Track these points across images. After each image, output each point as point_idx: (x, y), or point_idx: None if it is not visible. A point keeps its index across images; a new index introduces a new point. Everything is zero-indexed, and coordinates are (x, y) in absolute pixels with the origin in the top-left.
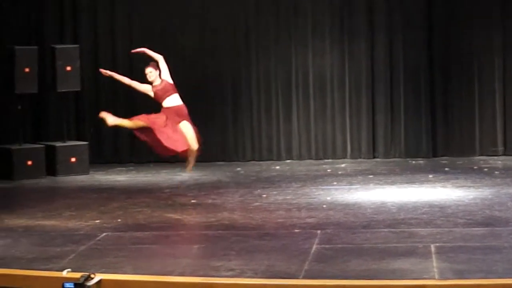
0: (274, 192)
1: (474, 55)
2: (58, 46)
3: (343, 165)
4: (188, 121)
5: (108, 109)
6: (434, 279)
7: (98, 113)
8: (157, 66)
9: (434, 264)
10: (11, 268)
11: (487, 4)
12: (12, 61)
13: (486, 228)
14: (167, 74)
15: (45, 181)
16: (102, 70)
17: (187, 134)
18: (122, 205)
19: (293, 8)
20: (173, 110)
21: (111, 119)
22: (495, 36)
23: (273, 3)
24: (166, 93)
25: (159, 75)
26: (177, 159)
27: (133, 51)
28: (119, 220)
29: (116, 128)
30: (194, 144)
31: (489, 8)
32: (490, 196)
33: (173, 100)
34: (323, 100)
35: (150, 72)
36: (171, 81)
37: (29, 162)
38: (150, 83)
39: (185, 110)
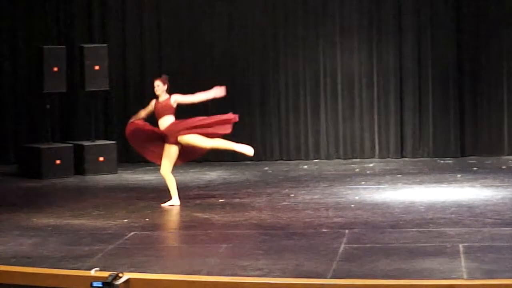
0: (302, 192)
1: (503, 54)
2: (86, 46)
3: (371, 165)
4: (186, 132)
5: (136, 108)
6: (463, 279)
7: (126, 112)
8: (166, 81)
9: (463, 264)
10: (40, 267)
11: None
12: (41, 61)
13: None
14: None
15: (74, 180)
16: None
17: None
18: (150, 204)
19: (321, 8)
20: (165, 131)
21: None
22: None
23: (302, 3)
24: (164, 112)
25: (165, 90)
26: (205, 158)
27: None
28: (147, 219)
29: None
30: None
31: None
32: None
33: (165, 122)
34: (351, 99)
35: (158, 85)
36: (174, 104)
37: (58, 161)
38: (156, 96)
39: (175, 127)
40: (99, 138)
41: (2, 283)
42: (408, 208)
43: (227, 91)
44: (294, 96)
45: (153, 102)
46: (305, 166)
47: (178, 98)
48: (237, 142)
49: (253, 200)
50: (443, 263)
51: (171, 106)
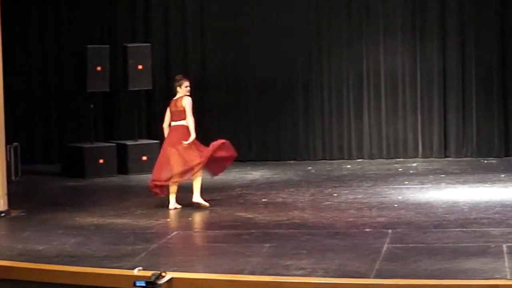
0: (345, 191)
1: None
2: (130, 45)
3: (414, 164)
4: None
5: None
6: (506, 279)
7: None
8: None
9: (506, 264)
10: (83, 266)
11: None
12: (85, 60)
13: None
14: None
15: (117, 179)
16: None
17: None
18: (193, 204)
19: (365, 8)
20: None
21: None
22: None
23: (345, 4)
24: (180, 114)
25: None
26: (249, 158)
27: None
28: (190, 218)
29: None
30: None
31: None
32: None
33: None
34: (395, 99)
35: (187, 87)
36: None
37: (101, 161)
38: (174, 95)
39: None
40: (142, 138)
41: (46, 282)
42: (452, 208)
43: (272, 92)
44: (337, 96)
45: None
46: (348, 166)
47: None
48: (281, 142)
49: (296, 200)
50: (486, 263)
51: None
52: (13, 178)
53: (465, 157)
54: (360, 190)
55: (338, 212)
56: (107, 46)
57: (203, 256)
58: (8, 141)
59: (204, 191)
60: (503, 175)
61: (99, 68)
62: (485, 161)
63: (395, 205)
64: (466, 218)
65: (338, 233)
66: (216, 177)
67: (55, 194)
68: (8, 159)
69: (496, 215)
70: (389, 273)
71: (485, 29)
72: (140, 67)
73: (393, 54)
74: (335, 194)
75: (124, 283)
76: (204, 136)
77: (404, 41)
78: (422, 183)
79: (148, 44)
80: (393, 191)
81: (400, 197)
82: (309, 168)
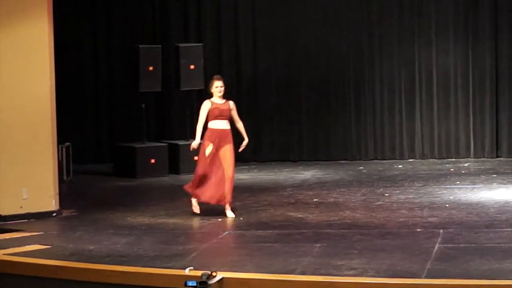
0: (397, 191)
1: None
2: (181, 45)
3: (466, 164)
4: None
5: None
6: None
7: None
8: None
9: None
10: (134, 266)
11: None
12: (137, 60)
13: None
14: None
15: (168, 179)
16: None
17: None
18: (245, 204)
19: (417, 8)
20: (217, 132)
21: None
22: None
23: (397, 4)
24: (223, 115)
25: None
26: (300, 158)
27: None
28: (241, 218)
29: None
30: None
31: None
32: None
33: (224, 124)
34: (447, 99)
35: (222, 87)
36: (230, 107)
37: (152, 160)
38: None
39: (229, 135)
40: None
41: (97, 281)
42: (503, 208)
43: (323, 92)
44: (389, 95)
45: (208, 103)
46: (400, 166)
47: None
48: (332, 142)
49: (347, 200)
50: None
51: (229, 110)
52: (64, 178)
53: None
54: (412, 190)
55: (389, 212)
56: (159, 46)
57: (254, 256)
58: (60, 141)
59: (256, 191)
60: None
61: (151, 68)
62: None
63: (447, 205)
64: None
65: (389, 233)
66: (267, 176)
67: (107, 194)
68: (60, 159)
69: None
70: (440, 273)
71: None
72: (192, 67)
73: (445, 54)
74: (386, 194)
75: (176, 283)
76: (256, 136)
77: (456, 40)
78: (474, 183)
79: (200, 44)
80: (444, 191)
81: (451, 197)
82: (361, 168)
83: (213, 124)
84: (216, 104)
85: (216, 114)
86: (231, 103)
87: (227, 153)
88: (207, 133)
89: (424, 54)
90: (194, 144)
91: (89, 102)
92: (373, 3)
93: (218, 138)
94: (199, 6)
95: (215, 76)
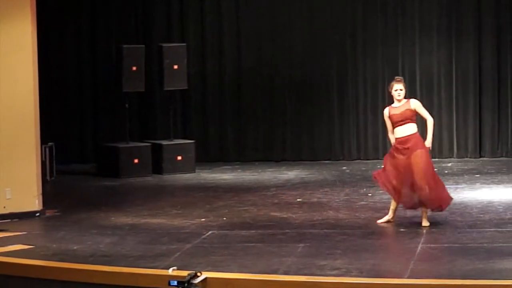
0: (380, 191)
1: None
2: (165, 45)
3: (449, 164)
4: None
5: (214, 107)
6: None
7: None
8: (404, 85)
9: None
10: (118, 266)
11: None
12: (120, 60)
13: None
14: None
15: (151, 179)
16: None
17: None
18: (228, 204)
19: (401, 8)
20: (399, 141)
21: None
22: None
23: (380, 4)
24: (401, 120)
25: (404, 96)
26: (283, 158)
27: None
28: (225, 218)
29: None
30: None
31: None
32: None
33: (405, 130)
34: (430, 99)
35: (401, 90)
36: (413, 107)
37: (136, 160)
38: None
39: (416, 140)
40: (178, 137)
41: (81, 281)
42: (486, 208)
43: (307, 91)
44: (372, 96)
45: (386, 111)
46: (383, 166)
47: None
48: (316, 142)
49: (330, 200)
50: None
51: (412, 111)
52: (48, 178)
53: (500, 157)
54: None
55: (372, 212)
56: (143, 46)
57: (237, 256)
58: (44, 141)
59: (239, 191)
60: None
61: (134, 68)
62: None
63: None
64: (500, 218)
65: (372, 233)
66: (251, 176)
67: (90, 194)
68: (44, 159)
69: None
70: (423, 273)
71: None
72: (175, 67)
73: (429, 54)
74: (369, 194)
75: (159, 283)
76: (239, 136)
77: (440, 41)
78: (457, 183)
79: (184, 44)
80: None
81: None
82: (344, 168)
83: (395, 133)
84: (393, 109)
85: (395, 120)
86: (412, 101)
87: (417, 160)
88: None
89: (408, 54)
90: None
91: (72, 102)
92: (357, 3)
93: (402, 148)
94: (182, 6)
95: (395, 78)
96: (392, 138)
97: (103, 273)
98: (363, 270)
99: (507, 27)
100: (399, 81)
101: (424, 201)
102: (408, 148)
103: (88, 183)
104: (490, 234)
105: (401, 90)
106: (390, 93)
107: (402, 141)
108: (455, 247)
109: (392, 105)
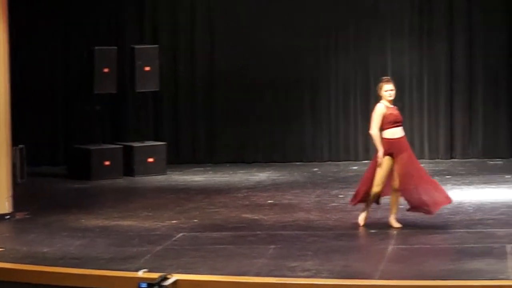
0: (351, 193)
1: None
2: (137, 46)
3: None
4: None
5: (186, 109)
6: (510, 279)
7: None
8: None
9: (510, 264)
10: (88, 268)
11: None
12: (92, 61)
13: None
14: None
15: (122, 181)
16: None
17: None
18: (199, 206)
19: (372, 8)
20: (394, 142)
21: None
22: None
23: (353, 5)
24: (400, 121)
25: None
26: (255, 159)
27: None
28: (196, 220)
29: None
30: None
31: None
32: None
33: (401, 131)
34: (401, 100)
35: (392, 90)
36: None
37: (107, 163)
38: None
39: (405, 143)
40: (149, 139)
41: (51, 284)
42: (457, 209)
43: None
44: (344, 97)
45: (382, 107)
46: (355, 167)
47: None
48: (287, 143)
49: (301, 201)
50: (491, 263)
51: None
52: (18, 180)
53: (471, 158)
54: None
55: (343, 214)
56: (115, 47)
57: (208, 258)
58: (14, 143)
59: (210, 193)
60: (508, 176)
61: (106, 70)
62: (491, 162)
63: (401, 206)
64: (471, 219)
65: (343, 235)
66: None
67: (60, 196)
68: (14, 161)
69: (501, 216)
70: (394, 274)
71: (492, 30)
72: (147, 68)
73: (400, 55)
74: (341, 196)
75: (129, 285)
76: (211, 137)
77: (411, 42)
78: None
79: (156, 45)
80: None
81: None
82: (315, 169)
83: (390, 133)
84: (390, 109)
85: (393, 120)
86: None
87: (404, 162)
88: (384, 145)
89: (379, 55)
90: (380, 158)
91: (44, 104)
92: (329, 4)
93: (397, 149)
94: (155, 7)
95: (384, 78)
96: (377, 135)
97: (73, 276)
98: (334, 271)
99: (478, 28)
100: (388, 81)
101: (424, 201)
102: (407, 147)
103: (59, 185)
104: (460, 235)
105: (391, 90)
106: (378, 94)
107: (401, 140)
108: (425, 248)
109: (386, 104)
